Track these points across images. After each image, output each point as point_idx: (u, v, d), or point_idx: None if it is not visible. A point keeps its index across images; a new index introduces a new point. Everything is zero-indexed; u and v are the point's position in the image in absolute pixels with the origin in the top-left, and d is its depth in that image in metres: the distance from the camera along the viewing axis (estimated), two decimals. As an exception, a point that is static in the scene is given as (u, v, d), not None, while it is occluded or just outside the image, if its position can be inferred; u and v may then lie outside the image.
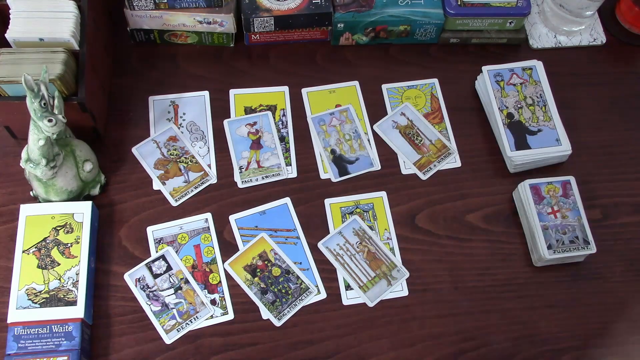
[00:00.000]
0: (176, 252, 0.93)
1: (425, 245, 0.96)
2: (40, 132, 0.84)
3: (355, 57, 1.10)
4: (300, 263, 0.94)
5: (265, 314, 0.90)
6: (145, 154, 1.00)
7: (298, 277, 0.93)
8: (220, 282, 0.92)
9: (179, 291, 0.91)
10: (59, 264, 0.88)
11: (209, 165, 1.00)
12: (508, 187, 1.00)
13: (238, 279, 0.92)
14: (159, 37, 1.07)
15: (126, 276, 0.91)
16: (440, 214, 0.98)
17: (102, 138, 1.00)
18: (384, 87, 1.07)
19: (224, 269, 0.93)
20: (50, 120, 0.82)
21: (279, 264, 0.93)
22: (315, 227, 0.96)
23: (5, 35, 0.91)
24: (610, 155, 1.04)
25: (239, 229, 0.95)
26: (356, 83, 1.07)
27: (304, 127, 1.03)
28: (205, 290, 0.91)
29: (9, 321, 0.85)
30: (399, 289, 0.93)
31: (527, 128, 1.00)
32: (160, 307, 0.90)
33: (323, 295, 0.92)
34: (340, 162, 1.01)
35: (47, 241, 0.89)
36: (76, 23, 0.92)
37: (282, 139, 1.02)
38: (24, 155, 0.88)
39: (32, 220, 0.90)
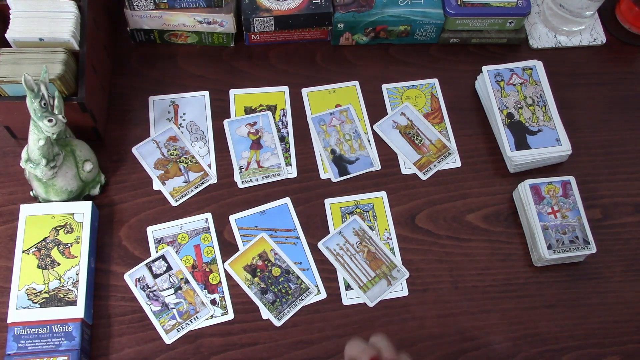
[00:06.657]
0: (176, 252, 0.93)
1: (425, 245, 0.96)
2: (40, 132, 0.84)
3: (355, 57, 1.10)
4: (300, 263, 0.94)
5: (265, 314, 0.90)
6: (145, 154, 1.00)
7: (298, 277, 0.93)
8: (220, 282, 0.92)
9: (179, 291, 0.91)
10: (59, 264, 0.88)
11: (209, 165, 1.00)
12: (508, 187, 1.00)
13: (238, 279, 0.92)
14: (159, 37, 1.07)
15: (126, 276, 0.91)
16: (440, 214, 0.98)
17: (102, 138, 1.00)
18: (384, 87, 1.07)
19: (224, 269, 0.93)
20: (50, 120, 0.82)
21: (279, 264, 0.93)
22: (315, 227, 0.96)
23: (5, 35, 0.91)
24: (610, 155, 1.04)
25: (239, 229, 0.95)
26: (356, 83, 1.07)
27: (304, 127, 1.03)
28: (205, 290, 0.91)
29: (9, 321, 0.85)
30: (399, 289, 0.93)
31: (527, 128, 1.00)
32: (160, 307, 0.90)
33: (323, 295, 0.92)
34: (340, 162, 1.01)
35: (47, 241, 0.89)
36: (76, 23, 0.92)
37: (282, 139, 1.02)
38: (24, 155, 0.88)
39: (32, 220, 0.90)
